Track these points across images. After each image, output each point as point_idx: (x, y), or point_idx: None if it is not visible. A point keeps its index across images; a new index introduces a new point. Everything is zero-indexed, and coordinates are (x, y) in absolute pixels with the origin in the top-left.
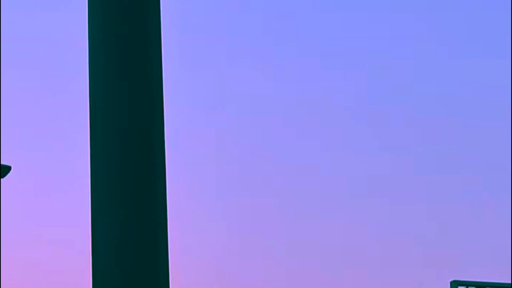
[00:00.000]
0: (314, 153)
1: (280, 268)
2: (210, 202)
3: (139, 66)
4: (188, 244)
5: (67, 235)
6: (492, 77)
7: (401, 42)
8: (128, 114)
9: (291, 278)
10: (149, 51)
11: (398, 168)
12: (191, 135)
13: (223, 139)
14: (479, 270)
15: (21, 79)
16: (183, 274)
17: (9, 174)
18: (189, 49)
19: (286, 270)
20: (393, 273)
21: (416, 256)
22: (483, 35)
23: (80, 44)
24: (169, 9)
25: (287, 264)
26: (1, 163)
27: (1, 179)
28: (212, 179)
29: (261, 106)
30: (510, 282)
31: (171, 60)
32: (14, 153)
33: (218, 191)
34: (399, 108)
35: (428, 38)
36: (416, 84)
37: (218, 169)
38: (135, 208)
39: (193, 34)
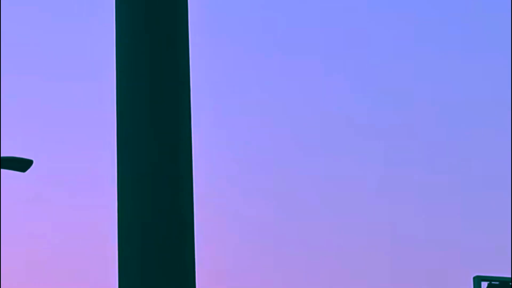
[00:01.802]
0: (314, 154)
1: (281, 268)
2: (210, 202)
3: (166, 68)
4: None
5: (93, 228)
6: (492, 77)
7: (401, 43)
8: (154, 115)
9: (293, 278)
10: (177, 54)
11: (402, 169)
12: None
13: (224, 140)
14: (496, 266)
15: (47, 78)
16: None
17: (31, 168)
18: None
19: (292, 270)
20: (412, 271)
21: (432, 254)
22: (482, 35)
23: (107, 48)
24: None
25: (290, 264)
26: (23, 157)
27: (24, 172)
28: (213, 179)
29: (263, 108)
30: None
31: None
32: (36, 148)
33: (218, 191)
34: (398, 109)
35: (428, 38)
36: (415, 86)
37: (218, 169)
38: (162, 207)
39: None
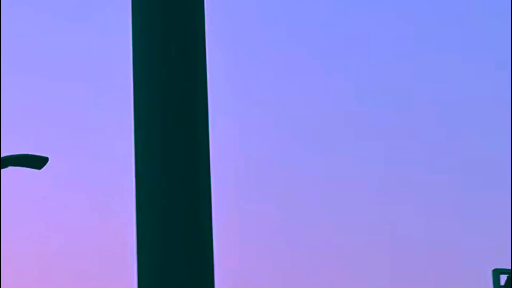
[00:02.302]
0: (314, 154)
1: (281, 268)
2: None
3: (184, 70)
4: None
5: (110, 224)
6: (492, 77)
7: (401, 43)
8: (172, 116)
9: (293, 278)
10: (195, 56)
11: (402, 169)
12: None
13: (223, 140)
14: (496, 267)
15: (54, 78)
16: None
17: (47, 165)
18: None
19: (292, 270)
20: (412, 271)
21: (432, 254)
22: (482, 35)
23: (118, 48)
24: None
25: (291, 264)
26: (39, 154)
27: (40, 170)
28: (212, 179)
29: (263, 108)
30: None
31: None
32: (52, 145)
33: (217, 191)
34: (398, 109)
35: (428, 38)
36: (415, 86)
37: (217, 168)
38: (180, 210)
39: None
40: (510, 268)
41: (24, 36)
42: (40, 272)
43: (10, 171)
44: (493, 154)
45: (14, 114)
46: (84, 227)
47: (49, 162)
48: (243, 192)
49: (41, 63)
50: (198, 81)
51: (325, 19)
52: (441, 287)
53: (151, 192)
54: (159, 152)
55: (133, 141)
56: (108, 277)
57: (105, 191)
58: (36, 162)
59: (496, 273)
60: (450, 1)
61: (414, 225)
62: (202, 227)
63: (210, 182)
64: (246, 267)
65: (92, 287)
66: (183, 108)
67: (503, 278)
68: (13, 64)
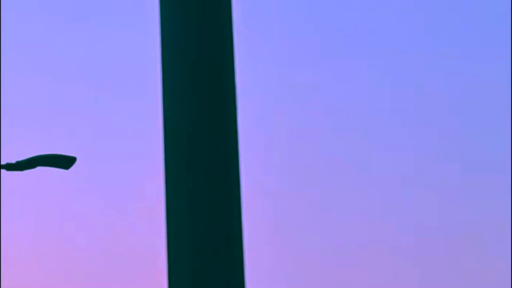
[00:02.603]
0: (315, 155)
1: (281, 268)
2: None
3: (211, 69)
4: None
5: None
6: (492, 77)
7: (400, 43)
8: (199, 114)
9: (293, 278)
10: (222, 50)
11: (422, 167)
12: None
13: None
14: (496, 266)
15: (92, 78)
16: None
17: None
18: None
19: (291, 270)
20: (412, 271)
21: (432, 253)
22: (482, 35)
23: (151, 47)
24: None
25: (290, 264)
26: (67, 154)
27: (67, 170)
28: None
29: (262, 108)
30: None
31: None
32: (80, 145)
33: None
34: (398, 109)
35: (428, 38)
36: (417, 85)
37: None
38: (212, 217)
39: None
40: None
41: (35, 37)
42: (66, 273)
43: (38, 171)
44: (493, 154)
45: (41, 114)
46: (109, 228)
47: (76, 162)
48: (243, 192)
49: (64, 64)
50: (225, 79)
51: (325, 18)
52: (441, 287)
53: (180, 193)
54: (186, 152)
55: (162, 141)
56: (132, 280)
57: (132, 192)
58: (64, 162)
59: None
60: (450, 1)
61: (414, 225)
62: (233, 229)
63: (240, 181)
64: (245, 266)
65: None
66: (213, 108)
67: None
68: (35, 64)
